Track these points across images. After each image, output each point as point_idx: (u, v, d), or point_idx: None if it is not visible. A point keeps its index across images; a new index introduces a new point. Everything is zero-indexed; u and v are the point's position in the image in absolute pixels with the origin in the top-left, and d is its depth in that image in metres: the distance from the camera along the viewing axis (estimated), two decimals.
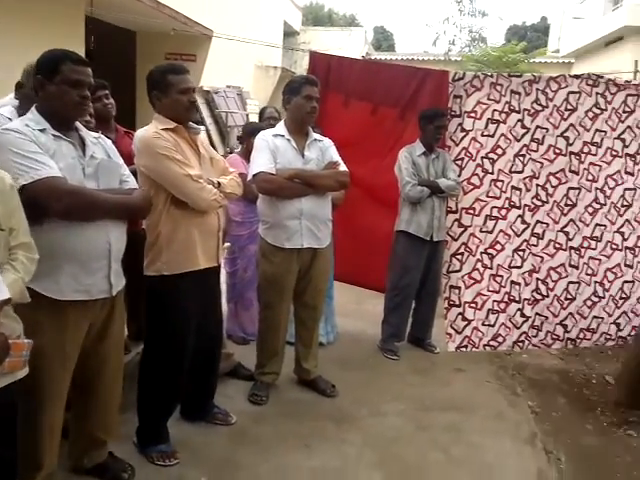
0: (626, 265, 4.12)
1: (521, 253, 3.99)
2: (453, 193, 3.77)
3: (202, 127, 2.75)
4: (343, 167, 3.06)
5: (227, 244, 3.68)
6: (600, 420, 3.18)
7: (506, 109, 3.88)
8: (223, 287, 3.72)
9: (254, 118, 11.28)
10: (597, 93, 3.93)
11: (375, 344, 3.97)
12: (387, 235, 3.87)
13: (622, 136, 4.00)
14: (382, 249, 3.93)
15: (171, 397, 2.57)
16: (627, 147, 4.02)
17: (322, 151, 3.05)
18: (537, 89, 3.88)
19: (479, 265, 3.97)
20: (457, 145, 3.94)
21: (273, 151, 2.91)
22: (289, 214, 2.92)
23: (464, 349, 4.02)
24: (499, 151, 3.89)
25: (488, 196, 3.92)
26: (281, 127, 3.03)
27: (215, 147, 10.10)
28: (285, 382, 3.33)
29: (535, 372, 3.76)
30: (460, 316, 4.01)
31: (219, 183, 2.47)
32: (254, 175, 2.91)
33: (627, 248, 4.10)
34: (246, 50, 11.29)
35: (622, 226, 4.08)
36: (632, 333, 4.12)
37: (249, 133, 3.62)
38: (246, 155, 3.45)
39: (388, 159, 3.85)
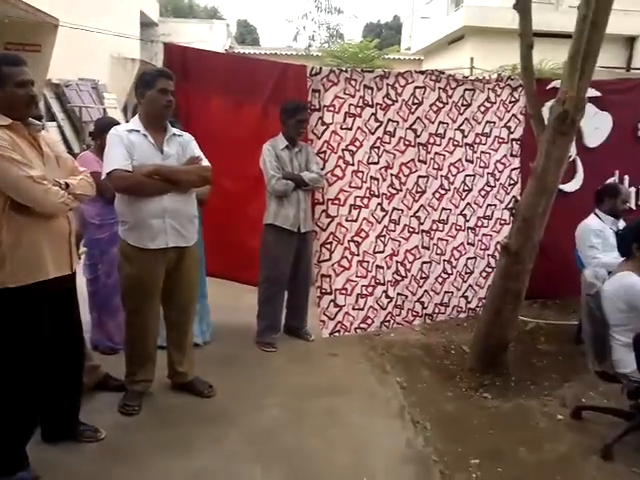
0: (469, 243, 4.56)
1: (382, 239, 4.25)
2: (317, 185, 3.88)
3: (50, 123, 2.53)
4: (205, 162, 3.00)
5: (83, 249, 3.44)
6: (459, 386, 3.49)
7: (361, 103, 4.07)
8: (85, 295, 3.49)
9: (113, 113, 10.63)
10: (439, 88, 4.28)
11: (253, 338, 3.97)
12: (257, 229, 3.88)
13: (461, 127, 4.40)
14: (253, 243, 3.94)
15: (27, 421, 2.35)
16: (466, 137, 4.42)
17: (182, 146, 2.96)
18: (387, 84, 4.12)
19: (347, 253, 4.15)
20: (319, 138, 4.05)
21: (128, 147, 2.77)
22: (152, 213, 2.80)
23: (337, 334, 4.19)
24: (357, 143, 4.08)
25: (351, 186, 4.10)
26: (136, 122, 2.89)
27: (69, 144, 9.36)
28: (159, 388, 3.21)
29: (401, 349, 4.02)
30: (332, 303, 4.16)
31: (67, 184, 2.29)
32: (108, 173, 2.75)
33: (469, 228, 4.54)
34: (100, 41, 10.57)
35: (464, 209, 4.51)
36: (479, 305, 4.59)
37: (102, 128, 3.40)
38: (100, 152, 3.23)
39: (254, 153, 3.86)
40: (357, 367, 3.71)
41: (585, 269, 3.10)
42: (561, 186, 4.19)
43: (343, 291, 4.17)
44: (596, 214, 3.93)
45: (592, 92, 4.39)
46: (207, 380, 3.27)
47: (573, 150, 4.41)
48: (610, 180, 4.50)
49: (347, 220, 4.13)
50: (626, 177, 4.60)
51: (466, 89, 4.35)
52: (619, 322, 2.73)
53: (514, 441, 2.87)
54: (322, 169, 3.97)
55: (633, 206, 4.49)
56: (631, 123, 4.59)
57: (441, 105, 4.29)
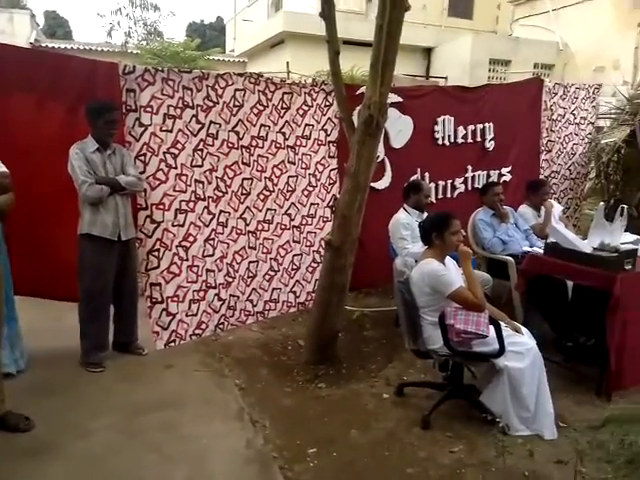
0: (294, 241, 4.73)
1: (211, 242, 4.20)
2: (136, 189, 3.68)
3: None
4: (2, 168, 2.67)
5: None
6: (296, 380, 3.61)
7: (180, 104, 3.97)
8: None
9: None
10: (259, 91, 4.35)
11: (77, 360, 3.65)
12: (71, 239, 3.56)
13: (283, 130, 4.53)
14: (68, 255, 3.60)
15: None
16: (287, 140, 4.57)
17: None
18: (207, 85, 4.08)
19: (176, 259, 4.02)
20: (137, 140, 3.85)
21: None
22: None
23: (173, 344, 4.04)
24: (179, 146, 3.97)
25: (175, 190, 3.98)
26: None
27: None
28: None
29: (240, 351, 4.03)
30: (164, 312, 4.00)
31: None
32: None
33: (294, 227, 4.71)
34: None
35: (289, 209, 4.67)
36: (308, 298, 4.80)
37: None
38: None
39: (62, 157, 3.52)
40: (194, 376, 3.62)
41: (396, 258, 3.41)
42: (373, 184, 4.59)
43: (175, 298, 4.03)
44: (404, 208, 4.35)
45: (395, 97, 4.88)
46: (22, 412, 2.92)
47: (382, 151, 4.84)
48: (413, 177, 5.02)
49: (174, 225, 4.00)
50: (427, 174, 5.17)
51: (285, 92, 4.49)
52: (426, 304, 3.07)
53: (347, 425, 3.05)
54: (142, 172, 3.78)
55: (434, 200, 5.07)
56: (429, 126, 5.17)
57: (262, 108, 4.37)
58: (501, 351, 2.86)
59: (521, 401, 2.90)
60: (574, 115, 6.07)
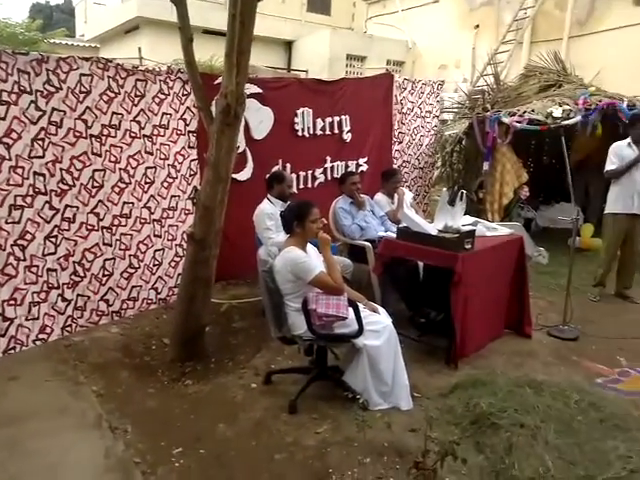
0: (155, 235, 4.54)
1: (53, 239, 3.86)
2: None
3: None
4: None
5: None
6: (161, 380, 3.47)
7: (16, 89, 3.57)
8: None
9: None
10: (109, 77, 4.07)
11: None
12: None
13: (138, 119, 4.29)
14: None
15: None
16: (143, 129, 4.34)
17: None
18: (47, 69, 3.72)
19: (12, 259, 3.64)
20: None
21: None
22: None
23: (13, 351, 3.68)
24: (14, 135, 3.57)
25: (9, 184, 3.58)
26: None
27: None
28: None
29: (97, 355, 3.77)
30: (0, 317, 3.61)
31: None
32: None
33: (154, 220, 4.52)
34: None
35: (148, 201, 4.45)
36: (170, 294, 4.65)
37: None
38: None
39: None
40: (44, 386, 3.32)
41: (260, 248, 3.42)
42: (235, 175, 4.55)
43: (12, 302, 3.66)
44: (268, 199, 4.37)
45: (255, 88, 4.87)
46: None
47: (243, 142, 4.81)
48: (275, 168, 5.07)
49: (7, 222, 3.60)
50: (288, 165, 5.25)
51: (138, 79, 4.25)
52: (290, 291, 3.12)
53: (214, 420, 3.01)
54: None
55: (295, 190, 5.16)
56: (289, 118, 5.24)
57: (113, 95, 4.09)
58: (360, 331, 3.01)
59: (380, 376, 3.08)
60: (421, 109, 6.55)
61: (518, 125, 5.91)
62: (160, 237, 4.55)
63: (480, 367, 3.60)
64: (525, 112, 6.06)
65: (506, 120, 5.97)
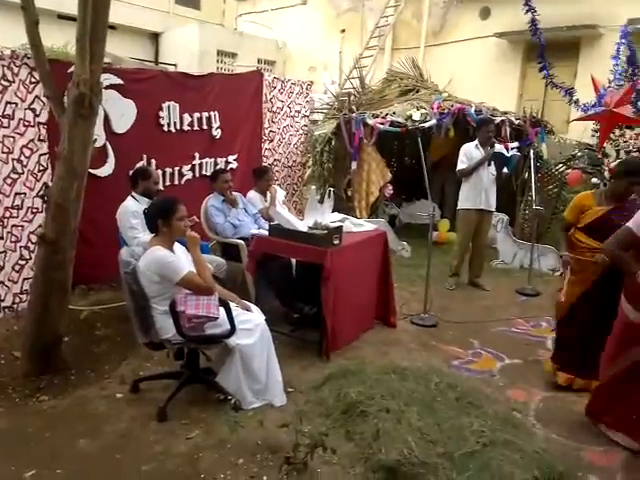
0: None
1: None
2: None
3: None
4: None
5: None
6: (12, 398, 3.13)
7: None
8: None
9: None
10: (3, 65, 3.79)
11: None
12: None
13: (32, 106, 4.03)
14: None
15: None
16: (38, 116, 4.09)
17: None
18: None
19: None
20: None
21: None
22: None
23: None
24: None
25: None
26: None
27: None
28: None
29: None
30: None
31: None
32: None
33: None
34: None
35: (40, 190, 4.14)
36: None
37: None
38: None
39: None
40: None
41: (122, 249, 3.21)
42: (94, 171, 4.25)
43: None
44: (133, 196, 4.13)
45: (115, 79, 4.56)
46: None
47: (103, 136, 4.49)
48: (140, 164, 4.80)
49: None
50: (153, 161, 4.99)
51: (33, 67, 3.82)
52: (156, 293, 2.97)
53: (74, 436, 2.78)
54: None
55: (161, 187, 4.93)
56: (153, 111, 4.98)
57: (7, 84, 3.74)
58: (232, 331, 2.96)
59: (253, 375, 3.05)
60: (290, 108, 6.62)
61: (381, 126, 6.23)
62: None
63: (351, 358, 3.72)
64: (387, 114, 6.41)
65: (370, 121, 6.26)
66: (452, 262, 5.65)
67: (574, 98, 4.01)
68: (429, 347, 4.09)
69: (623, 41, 4.41)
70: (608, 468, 2.70)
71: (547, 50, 8.48)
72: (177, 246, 3.15)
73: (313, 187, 4.67)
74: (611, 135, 6.01)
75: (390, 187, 6.93)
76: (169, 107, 5.08)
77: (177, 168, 5.22)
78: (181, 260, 3.05)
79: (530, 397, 3.37)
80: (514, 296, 5.42)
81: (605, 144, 6.09)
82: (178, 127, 5.18)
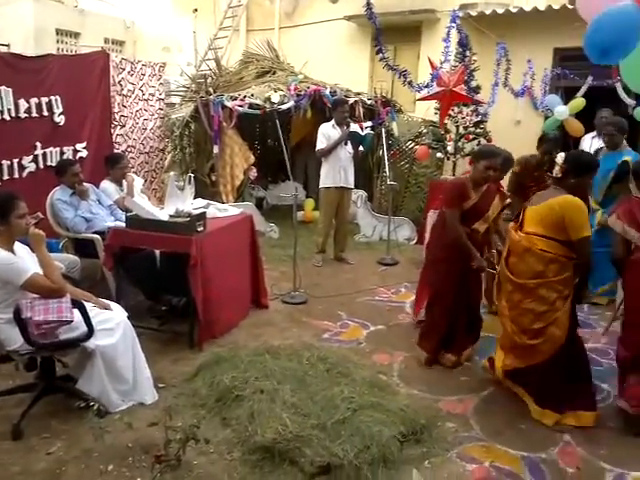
0: None
1: None
2: None
3: None
4: None
5: None
6: None
7: None
8: None
9: None
10: None
11: None
12: None
13: None
14: None
15: None
16: None
17: None
18: None
19: None
20: None
21: None
22: None
23: None
24: None
25: None
26: None
27: None
28: None
29: None
30: None
31: None
32: None
33: None
34: None
35: None
36: None
37: None
38: None
39: None
40: None
41: None
42: None
43: None
44: None
45: None
46: None
47: None
48: None
49: None
50: None
51: None
52: None
53: None
54: None
55: None
56: None
57: None
58: (90, 333, 2.77)
59: (118, 376, 2.90)
60: (142, 91, 6.26)
61: (240, 109, 6.16)
62: None
63: (224, 345, 3.69)
64: (245, 96, 6.34)
65: (229, 104, 6.15)
66: (317, 240, 5.82)
67: (407, 79, 4.30)
68: (301, 324, 4.20)
69: (453, 25, 4.80)
70: (463, 415, 3.00)
71: (394, 33, 9.00)
72: (19, 246, 2.86)
73: (172, 173, 4.50)
74: (451, 112, 6.57)
75: (254, 170, 6.91)
76: (1, 92, 4.53)
77: (16, 160, 4.69)
78: (25, 261, 2.77)
79: (393, 359, 3.63)
80: (376, 267, 5.75)
81: (446, 121, 6.64)
82: (13, 114, 4.64)
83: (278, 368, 3.15)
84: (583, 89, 6.32)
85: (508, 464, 2.59)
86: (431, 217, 3.78)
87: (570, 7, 6.42)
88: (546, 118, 6.61)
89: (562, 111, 6.17)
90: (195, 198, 4.30)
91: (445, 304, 3.50)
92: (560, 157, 2.99)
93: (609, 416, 3.00)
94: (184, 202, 3.87)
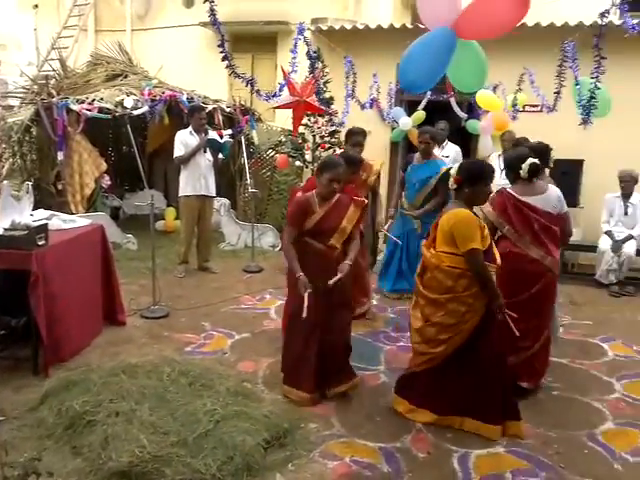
0: None
1: None
2: None
3: None
4: None
5: None
6: None
7: None
8: None
9: None
10: None
11: None
12: None
13: None
14: None
15: None
16: None
17: None
18: None
19: None
20: None
21: None
22: None
23: None
24: None
25: None
26: None
27: None
28: None
29: None
30: None
31: None
32: None
33: None
34: None
35: None
36: None
37: None
38: None
39: None
40: None
41: None
42: None
43: None
44: None
45: None
46: None
47: None
48: None
49: None
50: None
51: None
52: None
53: None
54: None
55: None
56: None
57: None
58: None
59: None
60: None
61: (88, 113, 5.77)
62: None
63: (75, 367, 3.40)
64: (95, 100, 5.95)
65: (75, 107, 5.72)
66: (180, 250, 5.64)
67: (255, 88, 4.36)
68: (161, 338, 4.03)
69: (300, 37, 4.97)
70: (325, 414, 3.08)
71: (252, 42, 9.04)
72: None
73: (5, 182, 4.06)
74: (307, 122, 6.78)
75: (107, 178, 6.51)
76: None
77: None
78: None
79: (258, 366, 3.63)
80: (241, 274, 5.73)
81: (303, 130, 6.83)
82: None
83: (136, 387, 2.98)
84: (423, 103, 6.88)
85: (367, 457, 2.71)
86: None
87: (410, 27, 6.99)
88: (393, 129, 7.10)
89: (406, 122, 6.69)
90: (37, 209, 3.94)
91: (300, 327, 3.16)
92: (454, 169, 2.96)
93: None
94: (21, 214, 3.51)
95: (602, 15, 3.26)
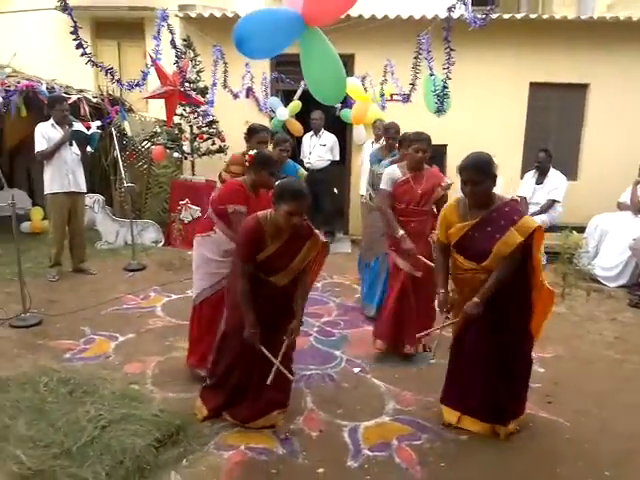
0: None
1: None
2: None
3: None
4: None
5: None
6: None
7: None
8: None
9: None
10: None
11: None
12: None
13: None
14: None
15: None
16: None
17: None
18: None
19: None
20: None
21: None
22: None
23: None
24: None
25: None
26: None
27: None
28: None
29: None
30: None
31: None
32: None
33: None
34: None
35: None
36: None
37: None
38: None
39: None
40: None
41: None
42: None
43: None
44: None
45: None
46: None
47: None
48: None
49: None
50: None
51: None
52: None
53: None
54: None
55: None
56: None
57: None
58: None
59: None
60: None
61: None
62: None
63: None
64: None
65: None
66: (51, 252, 5.25)
67: (116, 77, 4.15)
68: (36, 347, 3.75)
69: (163, 24, 4.80)
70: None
71: (118, 29, 8.54)
72: None
73: None
74: (183, 112, 6.58)
75: None
76: None
77: None
78: None
79: (146, 366, 3.51)
80: (122, 274, 5.48)
81: (180, 121, 6.63)
82: None
83: (9, 402, 2.79)
84: (298, 92, 6.94)
85: (262, 443, 2.76)
86: (197, 242, 3.39)
87: None
88: (271, 119, 7.12)
89: (283, 113, 6.76)
90: None
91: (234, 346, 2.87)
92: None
93: (344, 378, 3.46)
94: None
95: (449, 9, 3.56)
